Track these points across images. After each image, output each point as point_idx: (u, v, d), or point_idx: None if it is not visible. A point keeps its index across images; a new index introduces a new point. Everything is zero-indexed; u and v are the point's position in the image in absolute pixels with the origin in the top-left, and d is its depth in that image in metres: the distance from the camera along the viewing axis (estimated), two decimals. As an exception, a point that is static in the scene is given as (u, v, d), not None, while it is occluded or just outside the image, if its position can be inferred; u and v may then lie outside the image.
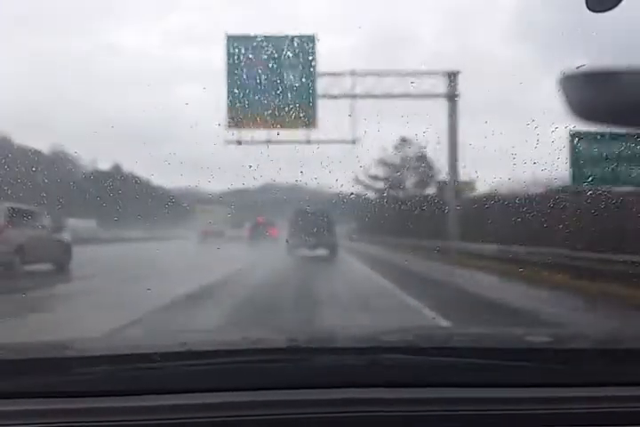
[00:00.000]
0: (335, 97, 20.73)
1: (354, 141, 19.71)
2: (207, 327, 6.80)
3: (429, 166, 28.69)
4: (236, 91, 19.21)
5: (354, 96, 20.72)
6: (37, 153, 20.68)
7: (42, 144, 23.80)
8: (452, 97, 21.02)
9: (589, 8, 1.36)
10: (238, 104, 19.13)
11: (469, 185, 22.70)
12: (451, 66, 21.76)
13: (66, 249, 14.07)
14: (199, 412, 1.41)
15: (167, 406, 1.43)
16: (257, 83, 18.37)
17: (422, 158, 28.54)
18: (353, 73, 21.16)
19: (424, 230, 20.20)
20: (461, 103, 20.85)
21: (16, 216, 12.71)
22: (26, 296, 9.27)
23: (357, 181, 29.86)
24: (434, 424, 1.41)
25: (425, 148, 27.27)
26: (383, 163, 31.39)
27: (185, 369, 1.57)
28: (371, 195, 30.78)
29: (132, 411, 1.42)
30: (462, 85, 20.71)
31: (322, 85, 20.41)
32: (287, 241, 19.36)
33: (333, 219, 20.12)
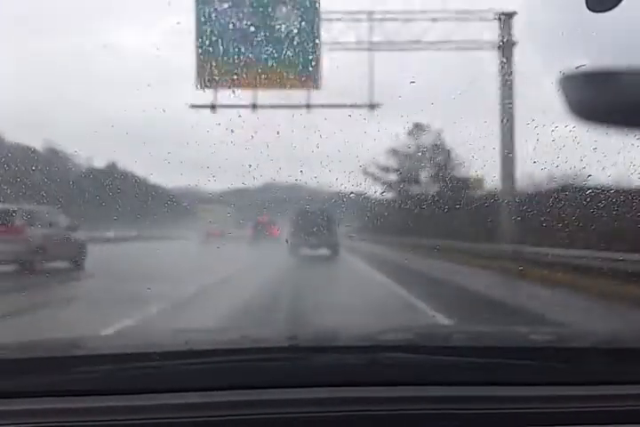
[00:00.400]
0: (347, 47, 15.34)
1: (373, 106, 14.64)
2: (207, 326, 6.82)
3: (448, 156, 24.16)
4: (208, 36, 13.95)
5: (372, 47, 15.19)
6: (37, 152, 20.68)
7: (41, 144, 23.78)
8: (505, 46, 15.18)
9: (589, 8, 1.36)
10: (212, 55, 13.84)
11: (479, 182, 20.57)
12: (450, 66, 19.96)
13: (81, 247, 14.61)
14: (199, 411, 1.41)
15: (168, 404, 1.43)
16: (238, 26, 13.53)
17: (439, 147, 23.95)
18: (370, 15, 15.48)
19: (453, 230, 17.56)
20: (461, 103, 19.41)
21: (34, 217, 13.54)
22: (43, 293, 9.83)
23: (366, 173, 25.55)
24: (435, 423, 1.42)
25: (441, 133, 22.87)
26: (395, 152, 26.57)
27: (185, 368, 1.57)
28: (380, 190, 26.52)
29: (133, 410, 1.42)
30: (462, 85, 18.41)
31: (328, 32, 14.92)
32: (287, 241, 19.31)
33: (334, 218, 20.02)
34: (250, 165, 9.88)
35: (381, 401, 1.44)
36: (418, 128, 23.35)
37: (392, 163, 27.50)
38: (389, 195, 26.74)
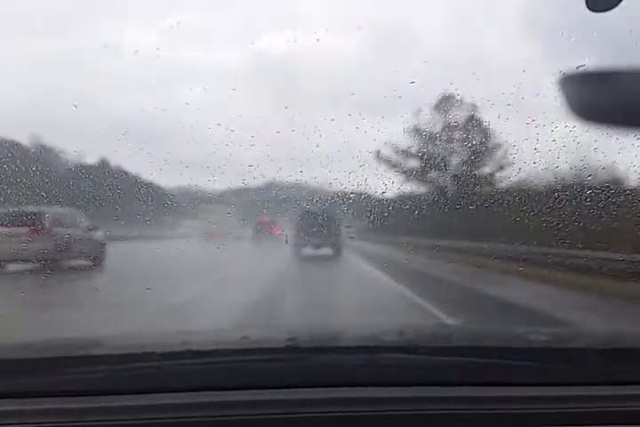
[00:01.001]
0: None
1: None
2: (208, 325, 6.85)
3: (485, 135, 18.78)
4: None
5: None
6: (36, 152, 20.69)
7: (41, 143, 23.78)
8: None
9: (589, 8, 1.36)
10: None
11: (490, 177, 19.11)
12: (450, 66, 19.76)
13: (101, 246, 15.35)
14: (199, 411, 1.41)
15: (167, 404, 1.43)
16: None
17: (473, 123, 18.44)
18: None
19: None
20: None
21: (59, 218, 14.46)
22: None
23: (380, 158, 20.93)
24: (434, 423, 1.41)
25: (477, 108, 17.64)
26: (417, 132, 20.50)
27: (185, 368, 1.57)
28: (381, 190, 20.06)
29: (133, 410, 1.42)
30: (462, 85, 16.47)
31: None
32: (287, 241, 19.30)
33: (336, 218, 19.88)
34: (250, 165, 9.84)
35: (381, 402, 1.43)
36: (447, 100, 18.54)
37: (413, 146, 21.92)
38: (392, 193, 24.34)
